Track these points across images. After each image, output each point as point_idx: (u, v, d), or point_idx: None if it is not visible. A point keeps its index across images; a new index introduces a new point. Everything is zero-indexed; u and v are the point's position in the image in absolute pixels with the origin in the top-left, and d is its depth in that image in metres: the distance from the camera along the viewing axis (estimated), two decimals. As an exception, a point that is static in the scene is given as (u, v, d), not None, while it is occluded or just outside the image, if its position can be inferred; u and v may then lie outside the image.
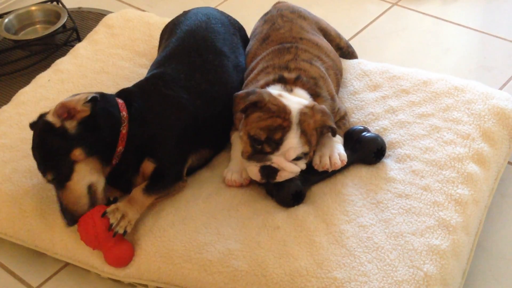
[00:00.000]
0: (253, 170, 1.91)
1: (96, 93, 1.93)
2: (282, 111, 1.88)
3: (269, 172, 1.89)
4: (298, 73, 2.04)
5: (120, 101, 2.00)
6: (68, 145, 1.87)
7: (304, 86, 2.02)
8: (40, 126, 1.91)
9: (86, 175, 1.89)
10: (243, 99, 1.91)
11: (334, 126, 1.94)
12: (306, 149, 1.90)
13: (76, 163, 1.87)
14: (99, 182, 1.92)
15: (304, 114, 1.90)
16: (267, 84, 2.03)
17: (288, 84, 2.01)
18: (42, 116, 1.94)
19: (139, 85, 2.11)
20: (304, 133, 1.88)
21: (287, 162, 1.89)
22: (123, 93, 2.06)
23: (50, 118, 1.89)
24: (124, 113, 1.97)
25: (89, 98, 1.87)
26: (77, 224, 1.90)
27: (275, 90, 1.97)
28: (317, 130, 1.93)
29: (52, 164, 1.88)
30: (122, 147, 1.95)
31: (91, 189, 1.90)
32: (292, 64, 2.07)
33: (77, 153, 1.87)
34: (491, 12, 3.08)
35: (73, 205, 1.88)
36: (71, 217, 1.89)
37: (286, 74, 2.04)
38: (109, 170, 1.96)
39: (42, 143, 1.90)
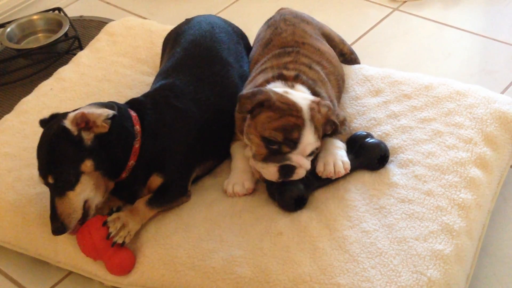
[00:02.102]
0: (271, 171, 1.89)
1: (110, 105, 1.91)
2: (294, 109, 1.86)
3: (288, 170, 1.89)
4: (297, 72, 2.03)
5: (133, 113, 1.98)
6: (81, 155, 1.85)
7: (304, 84, 2.01)
8: (55, 130, 1.88)
9: (88, 189, 1.88)
10: (249, 99, 1.88)
11: (337, 121, 1.94)
12: (318, 143, 1.90)
13: (83, 175, 1.86)
14: (95, 198, 1.90)
15: (313, 109, 1.89)
16: (267, 82, 2.01)
17: (288, 80, 2.00)
18: (54, 117, 1.92)
19: (149, 96, 2.09)
20: (316, 129, 1.88)
21: (304, 159, 1.89)
22: (135, 104, 2.03)
23: (68, 124, 1.86)
24: (137, 127, 1.95)
25: (110, 115, 1.86)
26: (76, 237, 1.90)
27: (278, 88, 1.94)
28: (322, 125, 1.92)
29: (59, 170, 1.85)
30: (134, 161, 1.94)
31: (86, 204, 1.89)
32: (291, 65, 2.07)
33: (88, 164, 1.86)
34: (492, 16, 3.09)
35: (67, 215, 1.86)
36: (59, 226, 1.86)
37: (285, 72, 2.03)
38: (113, 185, 1.95)
39: (54, 146, 1.87)
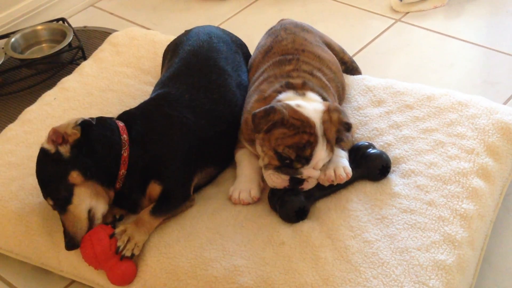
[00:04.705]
0: (283, 178, 1.91)
1: (92, 118, 1.95)
2: (307, 126, 1.87)
3: (298, 181, 1.91)
4: (303, 80, 2.04)
5: (120, 124, 2.00)
6: (64, 169, 1.88)
7: (313, 91, 2.02)
8: (38, 155, 1.93)
9: (86, 198, 1.90)
10: (264, 119, 1.88)
11: (349, 121, 1.95)
12: (330, 155, 1.93)
13: (76, 186, 1.89)
14: (98, 207, 1.92)
15: (325, 122, 1.90)
16: (278, 92, 2.01)
17: (298, 89, 2.01)
18: None
19: (142, 107, 2.12)
20: (328, 142, 1.90)
21: (315, 171, 1.92)
22: (125, 116, 2.07)
23: (45, 145, 1.91)
24: (125, 136, 1.97)
25: (79, 122, 1.89)
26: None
27: (291, 101, 1.94)
28: (336, 132, 1.94)
29: (52, 189, 1.90)
30: (125, 170, 1.96)
31: (90, 213, 1.91)
32: (294, 73, 2.08)
33: (75, 175, 1.88)
34: (494, 27, 3.09)
35: (73, 227, 1.89)
36: (70, 240, 1.89)
37: (292, 80, 2.04)
38: (113, 194, 1.96)
39: (40, 171, 1.93)
